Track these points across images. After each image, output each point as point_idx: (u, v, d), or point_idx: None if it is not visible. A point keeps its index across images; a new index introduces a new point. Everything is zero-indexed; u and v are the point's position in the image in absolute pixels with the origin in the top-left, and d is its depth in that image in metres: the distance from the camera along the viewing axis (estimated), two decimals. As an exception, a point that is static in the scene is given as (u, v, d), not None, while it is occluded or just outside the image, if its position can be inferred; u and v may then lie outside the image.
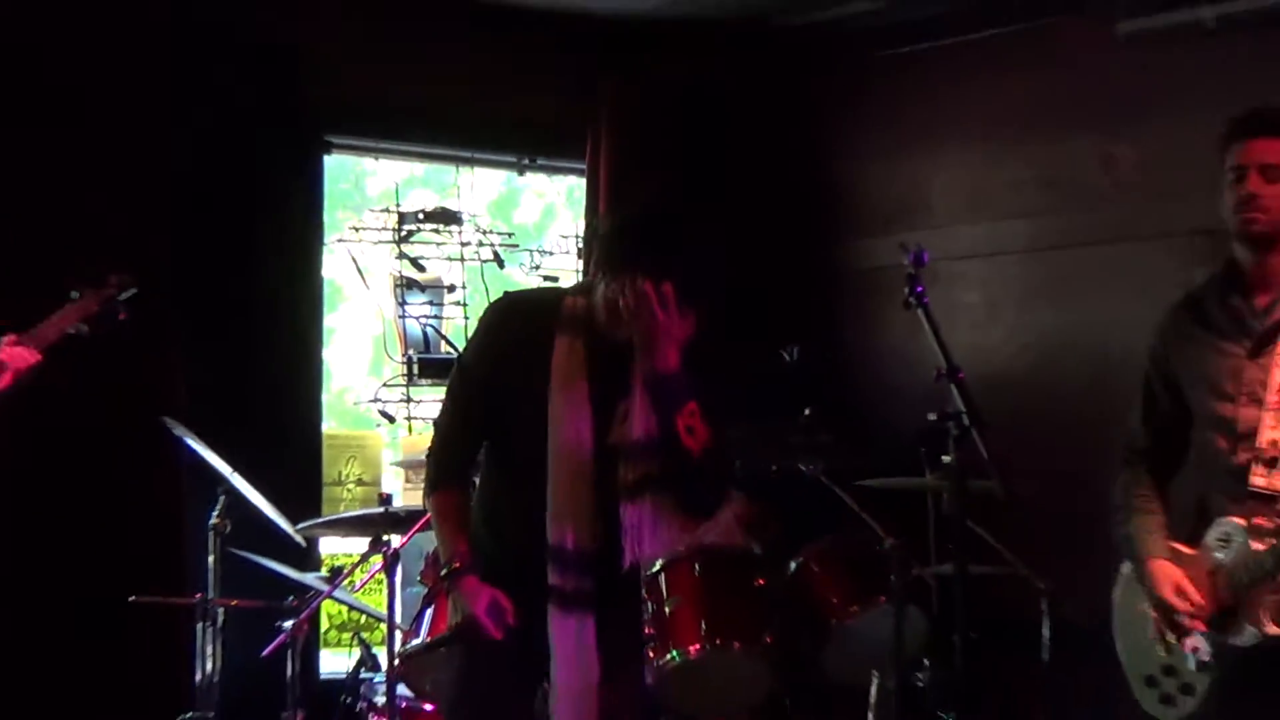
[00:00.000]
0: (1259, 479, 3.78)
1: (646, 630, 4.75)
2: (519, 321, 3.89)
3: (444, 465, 3.91)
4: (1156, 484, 4.05)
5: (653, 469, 3.78)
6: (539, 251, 6.73)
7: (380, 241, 6.47)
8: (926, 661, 4.64)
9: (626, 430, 3.80)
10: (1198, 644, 3.81)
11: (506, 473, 3.91)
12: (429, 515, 3.99)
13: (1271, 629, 3.74)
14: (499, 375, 3.84)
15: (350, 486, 6.44)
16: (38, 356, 4.05)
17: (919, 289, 4.13)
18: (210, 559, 4.87)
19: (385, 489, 6.20)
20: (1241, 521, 3.78)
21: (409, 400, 6.17)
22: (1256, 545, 3.74)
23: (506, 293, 4.18)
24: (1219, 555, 3.83)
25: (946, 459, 4.05)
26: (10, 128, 5.39)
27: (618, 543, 3.79)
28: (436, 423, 4.03)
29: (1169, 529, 3.96)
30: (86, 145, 5.46)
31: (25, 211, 5.32)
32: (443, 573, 3.80)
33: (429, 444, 3.97)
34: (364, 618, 5.53)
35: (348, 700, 5.05)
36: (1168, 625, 3.88)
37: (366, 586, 5.18)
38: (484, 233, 6.38)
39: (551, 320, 3.84)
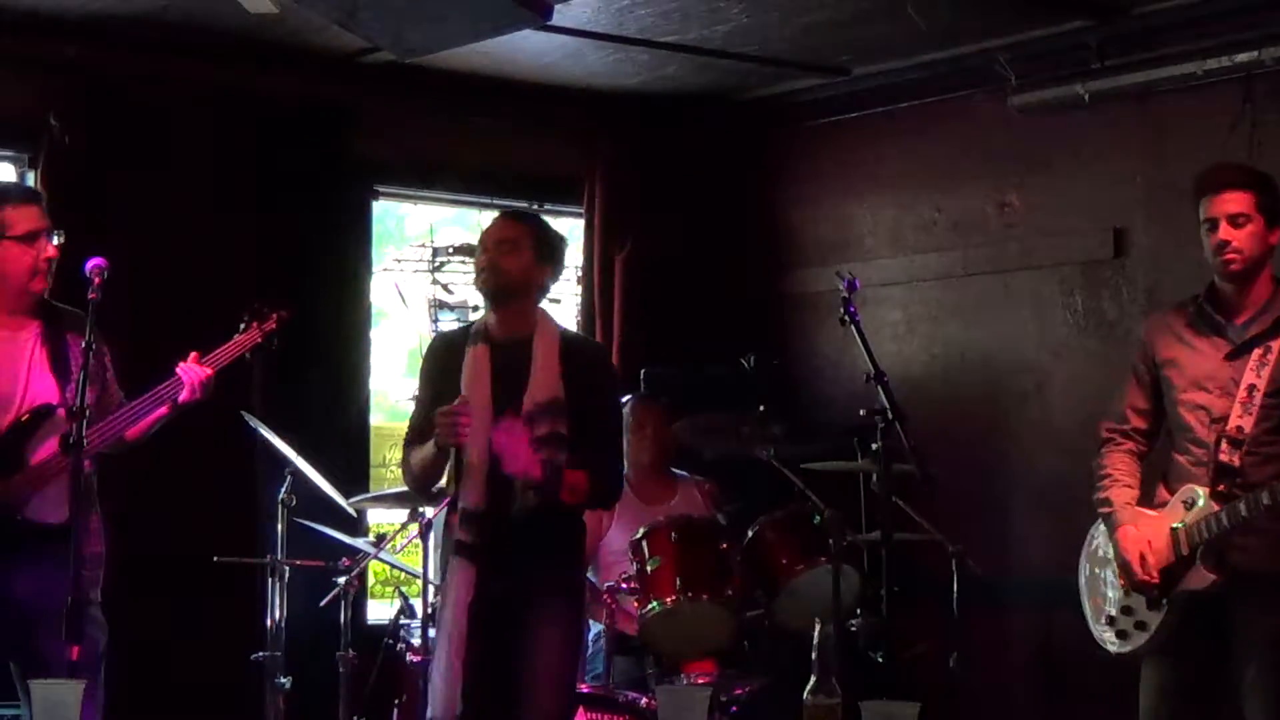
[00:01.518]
0: (1224, 455, 3.79)
1: (629, 585, 4.77)
2: (442, 349, 4.16)
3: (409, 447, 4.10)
4: (1132, 462, 4.00)
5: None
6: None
7: (417, 270, 6.49)
8: (859, 611, 4.65)
9: (528, 402, 3.88)
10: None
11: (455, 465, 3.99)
12: (406, 470, 4.13)
13: (1213, 575, 3.76)
14: (435, 390, 4.01)
15: (392, 468, 6.42)
16: (210, 374, 4.02)
17: (851, 309, 4.21)
18: (279, 527, 4.89)
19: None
20: (1205, 489, 3.79)
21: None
22: (1215, 506, 3.75)
23: (438, 333, 4.41)
24: (1183, 514, 3.81)
25: (874, 446, 4.10)
26: (148, 190, 5.49)
27: (505, 503, 3.86)
28: (410, 422, 4.23)
29: (1139, 499, 3.93)
30: (201, 196, 5.58)
31: (175, 253, 5.47)
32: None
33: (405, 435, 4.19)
34: (403, 575, 5.54)
35: (390, 642, 5.06)
36: (1130, 585, 3.88)
37: (405, 549, 5.19)
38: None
39: (464, 341, 4.03)
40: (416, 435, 4.07)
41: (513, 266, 3.96)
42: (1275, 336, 3.79)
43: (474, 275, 4.08)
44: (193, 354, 4.04)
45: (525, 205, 6.43)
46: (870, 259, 6.14)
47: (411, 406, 4.45)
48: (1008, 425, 5.78)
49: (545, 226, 4.16)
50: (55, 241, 3.89)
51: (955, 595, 4.79)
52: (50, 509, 3.76)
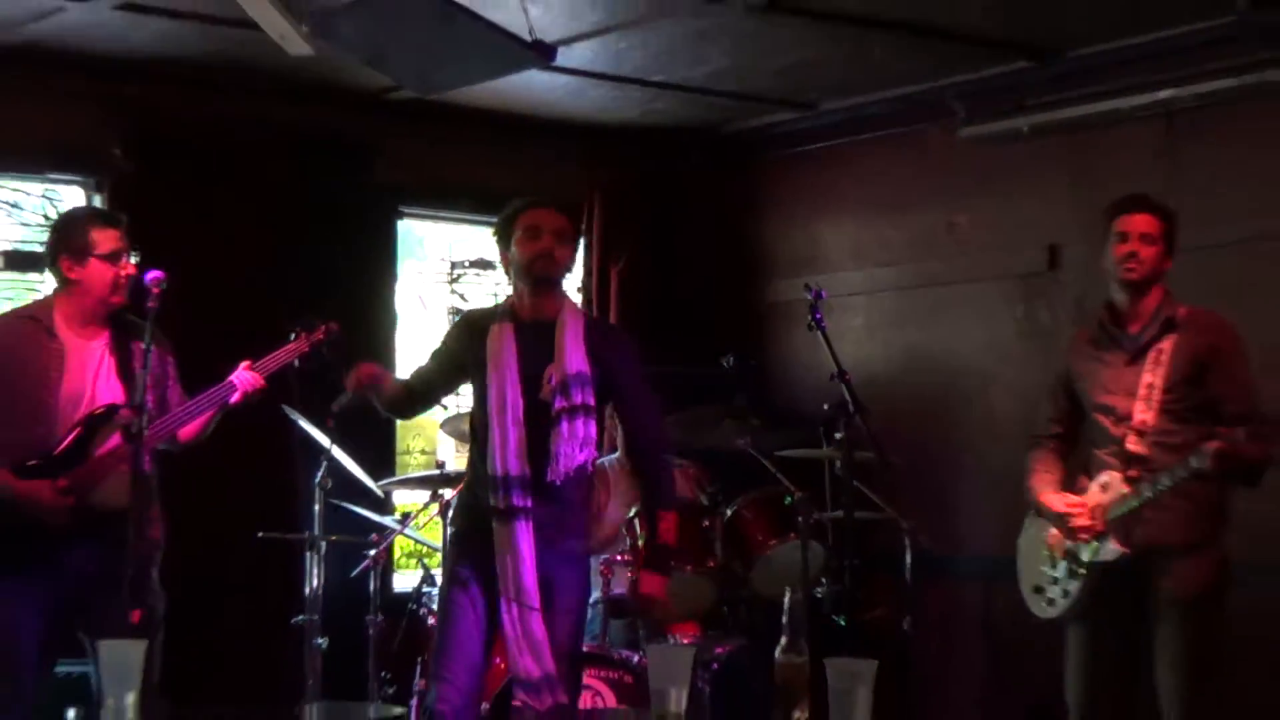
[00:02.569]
0: (1132, 445, 3.82)
1: (624, 558, 4.76)
2: (466, 324, 4.03)
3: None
4: (1055, 459, 4.03)
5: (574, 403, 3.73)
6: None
7: (437, 282, 6.49)
8: (824, 580, 4.67)
9: (556, 375, 3.74)
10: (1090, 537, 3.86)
11: (474, 441, 3.92)
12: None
13: (1123, 549, 3.79)
14: (449, 355, 3.99)
15: (415, 455, 6.44)
16: (261, 382, 4.00)
17: (818, 316, 4.23)
18: (316, 506, 4.88)
19: (440, 457, 6.20)
20: (1119, 474, 3.81)
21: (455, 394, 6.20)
22: (1125, 489, 3.78)
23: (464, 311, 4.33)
24: (1099, 496, 3.84)
25: (838, 436, 4.12)
26: (199, 211, 5.49)
27: (542, 469, 3.72)
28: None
29: (1061, 486, 3.96)
30: (246, 217, 5.59)
31: (232, 267, 5.47)
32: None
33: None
34: (425, 548, 5.55)
35: (413, 607, 5.07)
36: (1066, 534, 3.88)
37: (427, 526, 5.20)
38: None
39: (489, 319, 3.91)
40: (412, 375, 4.11)
41: (567, 257, 3.88)
42: (1165, 338, 3.84)
43: (528, 257, 3.79)
44: (245, 362, 4.03)
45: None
46: (835, 272, 6.13)
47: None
48: (956, 419, 5.79)
49: (576, 218, 4.09)
50: (132, 261, 3.90)
51: (908, 567, 4.82)
52: (113, 496, 3.76)
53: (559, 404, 3.73)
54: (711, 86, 5.72)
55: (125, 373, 3.85)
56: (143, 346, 3.78)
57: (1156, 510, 3.73)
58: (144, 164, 5.39)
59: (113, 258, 3.84)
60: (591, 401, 3.77)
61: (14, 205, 5.41)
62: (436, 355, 4.09)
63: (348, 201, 5.84)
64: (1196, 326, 3.83)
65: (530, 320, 3.84)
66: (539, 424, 3.74)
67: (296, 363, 4.13)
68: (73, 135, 5.42)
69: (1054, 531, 3.94)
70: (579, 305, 4.03)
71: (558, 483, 3.74)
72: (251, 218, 5.62)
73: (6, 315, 3.98)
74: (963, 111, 5.62)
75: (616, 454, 5.40)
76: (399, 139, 5.96)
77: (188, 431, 4.05)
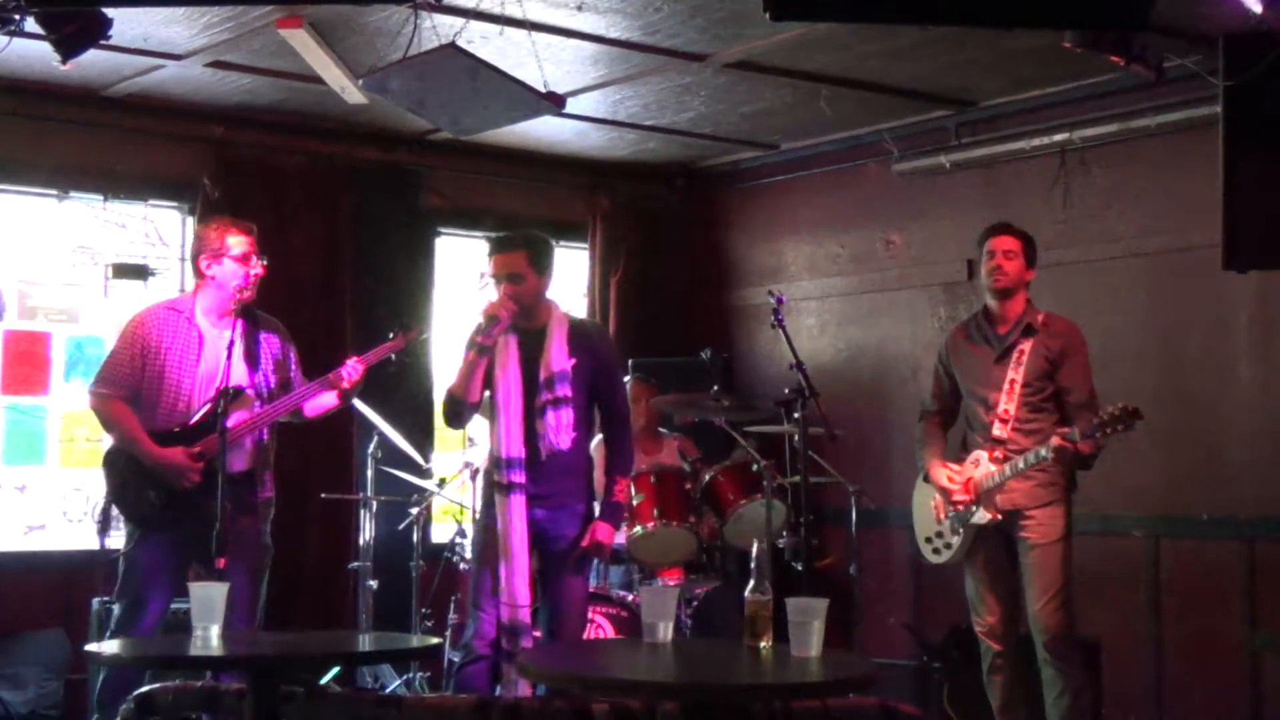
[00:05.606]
0: (997, 430, 3.87)
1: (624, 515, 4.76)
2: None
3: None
4: (939, 431, 4.09)
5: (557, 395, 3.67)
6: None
7: (469, 291, 6.45)
8: (785, 533, 4.67)
9: (543, 373, 3.70)
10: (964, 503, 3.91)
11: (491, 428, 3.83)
12: (447, 398, 3.82)
13: (992, 515, 3.88)
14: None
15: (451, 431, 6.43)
16: (362, 372, 3.87)
17: (779, 317, 4.23)
18: (369, 472, 4.88)
19: (469, 433, 6.20)
20: (988, 453, 3.88)
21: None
22: (993, 467, 3.85)
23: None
24: (971, 471, 3.91)
25: (795, 415, 4.10)
26: (273, 232, 5.28)
27: (537, 451, 3.69)
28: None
29: (944, 456, 4.02)
30: (311, 236, 5.54)
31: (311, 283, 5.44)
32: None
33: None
34: (458, 506, 5.54)
35: (449, 556, 5.06)
36: (946, 501, 3.95)
37: (459, 488, 5.19)
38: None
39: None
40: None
41: (518, 293, 3.73)
42: (1026, 340, 3.87)
43: (500, 300, 3.73)
44: (353, 356, 3.92)
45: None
46: (793, 281, 6.12)
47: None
48: (889, 399, 5.78)
49: (536, 242, 3.82)
50: (263, 262, 3.82)
51: (854, 521, 4.81)
52: (237, 461, 3.72)
53: (544, 397, 3.69)
54: (692, 130, 5.71)
55: (252, 358, 3.80)
56: (272, 338, 3.82)
57: (1017, 480, 3.83)
58: (227, 192, 5.35)
59: (244, 259, 3.77)
60: (570, 394, 3.70)
61: (121, 225, 5.39)
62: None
63: (396, 224, 5.80)
64: (1049, 330, 3.88)
65: (527, 328, 3.77)
66: (532, 415, 3.71)
67: (393, 357, 3.99)
68: (169, 168, 5.40)
69: (939, 496, 3.99)
70: (564, 312, 3.85)
71: (544, 461, 3.69)
72: (317, 237, 5.59)
73: (154, 306, 3.86)
74: (896, 151, 5.61)
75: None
76: (438, 172, 5.94)
77: (314, 411, 3.94)
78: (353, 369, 3.88)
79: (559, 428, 3.69)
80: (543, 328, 3.78)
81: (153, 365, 3.73)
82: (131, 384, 3.72)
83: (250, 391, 3.78)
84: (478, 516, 4.08)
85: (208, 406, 3.71)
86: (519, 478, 3.70)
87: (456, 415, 3.81)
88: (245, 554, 3.67)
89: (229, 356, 3.61)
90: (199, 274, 3.81)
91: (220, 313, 3.80)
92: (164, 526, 3.71)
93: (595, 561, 4.82)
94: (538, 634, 3.83)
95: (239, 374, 3.76)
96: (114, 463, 3.76)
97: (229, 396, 3.58)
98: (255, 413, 3.79)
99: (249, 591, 3.72)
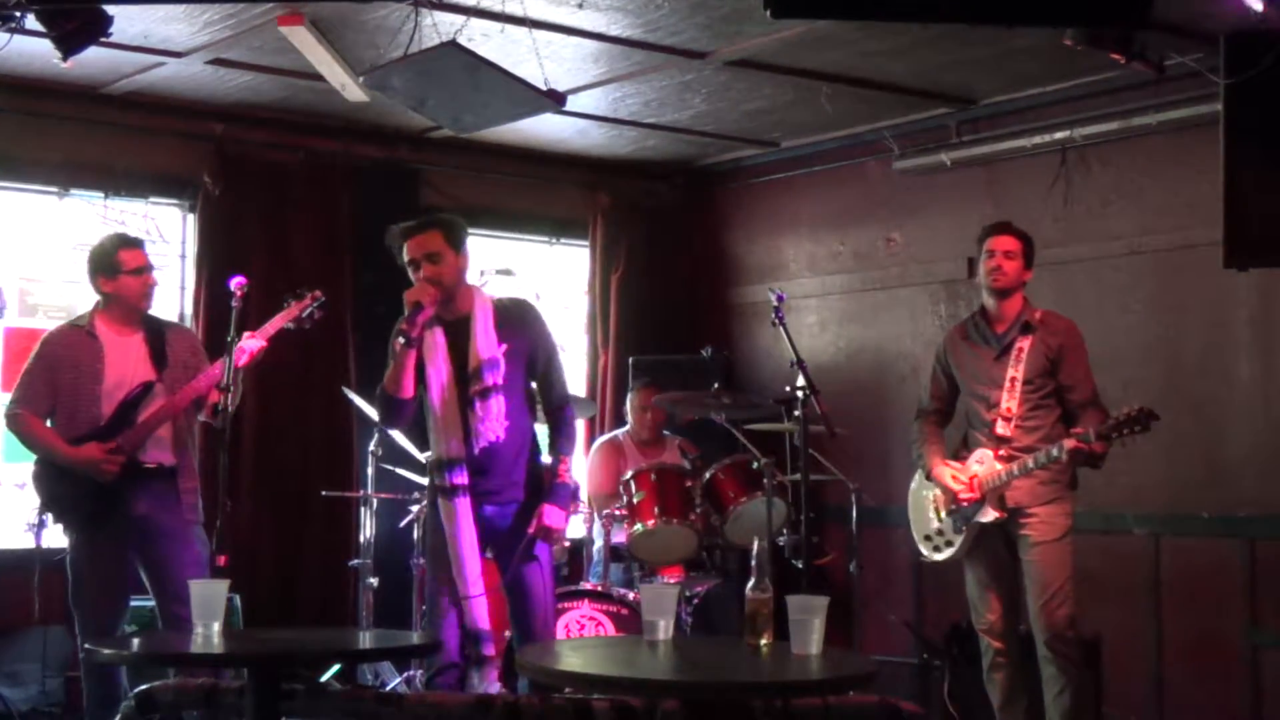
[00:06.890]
0: (1001, 428, 3.87)
1: (621, 512, 4.76)
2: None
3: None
4: (937, 430, 4.09)
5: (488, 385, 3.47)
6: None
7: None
8: (785, 530, 4.66)
9: (471, 363, 3.49)
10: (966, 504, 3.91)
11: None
12: (379, 394, 3.60)
13: (997, 513, 3.87)
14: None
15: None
16: (264, 344, 3.89)
17: (780, 315, 4.20)
18: (369, 470, 4.88)
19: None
20: (991, 451, 3.87)
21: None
22: (998, 466, 3.85)
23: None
24: (975, 469, 3.91)
25: (796, 413, 4.09)
26: (273, 228, 5.44)
27: (472, 447, 3.49)
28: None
29: (944, 454, 4.01)
30: (311, 233, 5.51)
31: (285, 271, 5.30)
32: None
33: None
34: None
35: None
36: (950, 500, 3.94)
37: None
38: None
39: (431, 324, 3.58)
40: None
41: (445, 272, 3.50)
42: (1025, 337, 3.87)
43: (420, 285, 3.48)
44: (248, 332, 3.87)
45: (545, 240, 6.41)
46: (794, 279, 6.12)
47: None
48: (890, 397, 5.77)
49: (447, 222, 3.59)
50: (155, 273, 3.97)
51: (854, 519, 4.80)
52: (156, 453, 3.86)
53: (473, 388, 3.49)
54: (692, 128, 5.70)
55: (157, 359, 3.90)
56: (174, 338, 3.95)
57: (1021, 479, 3.82)
58: (228, 189, 5.35)
59: (139, 273, 3.90)
60: (499, 381, 3.49)
61: (122, 223, 5.38)
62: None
63: (394, 220, 5.62)
64: (1048, 328, 3.88)
65: (451, 319, 3.56)
66: (465, 410, 3.50)
67: (291, 325, 4.00)
68: (170, 165, 5.39)
69: (939, 493, 4.00)
70: (488, 296, 3.61)
71: (482, 455, 3.49)
72: (318, 234, 5.57)
73: (60, 326, 4.03)
74: (896, 149, 5.61)
75: (626, 428, 5.41)
76: (439, 169, 5.93)
77: (211, 393, 3.84)
78: (249, 344, 3.83)
79: (489, 418, 3.49)
80: (467, 315, 3.55)
81: (62, 379, 3.86)
82: (45, 400, 3.86)
83: (160, 385, 3.88)
84: (424, 517, 4.01)
85: (119, 404, 3.83)
86: (461, 479, 3.50)
87: (390, 413, 3.62)
88: (180, 544, 3.81)
89: (136, 360, 3.83)
90: (98, 291, 3.92)
91: (124, 323, 3.93)
92: (100, 526, 3.82)
93: (597, 559, 4.85)
94: (508, 633, 3.74)
95: (146, 372, 3.89)
96: (40, 476, 3.90)
97: (140, 391, 3.76)
98: (164, 400, 3.85)
99: (195, 572, 3.64)
